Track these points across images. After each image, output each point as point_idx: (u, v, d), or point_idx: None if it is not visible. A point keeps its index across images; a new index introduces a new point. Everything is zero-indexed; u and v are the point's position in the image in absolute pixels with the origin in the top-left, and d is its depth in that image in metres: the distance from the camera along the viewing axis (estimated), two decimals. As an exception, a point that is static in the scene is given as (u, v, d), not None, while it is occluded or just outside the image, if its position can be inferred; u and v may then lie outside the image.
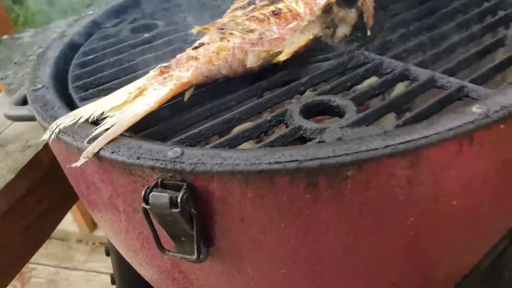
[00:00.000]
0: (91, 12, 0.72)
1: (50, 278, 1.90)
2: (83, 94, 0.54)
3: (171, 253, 0.41)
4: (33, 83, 0.53)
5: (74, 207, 1.85)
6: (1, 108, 0.87)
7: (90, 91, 0.54)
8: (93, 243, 2.00)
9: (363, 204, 0.37)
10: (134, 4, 0.76)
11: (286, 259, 0.41)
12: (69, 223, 1.99)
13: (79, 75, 0.58)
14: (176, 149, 0.38)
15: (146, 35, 0.66)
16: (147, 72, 0.47)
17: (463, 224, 0.42)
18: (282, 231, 0.38)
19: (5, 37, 1.10)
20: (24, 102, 0.67)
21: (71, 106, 0.51)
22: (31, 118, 0.63)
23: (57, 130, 0.43)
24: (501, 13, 0.60)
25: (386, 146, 0.35)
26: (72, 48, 0.64)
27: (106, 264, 1.93)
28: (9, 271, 0.76)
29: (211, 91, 0.50)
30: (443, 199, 0.38)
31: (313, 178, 0.35)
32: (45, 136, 0.44)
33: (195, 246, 0.39)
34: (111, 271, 1.93)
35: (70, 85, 0.56)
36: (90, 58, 0.62)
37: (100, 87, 0.55)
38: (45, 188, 0.77)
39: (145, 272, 0.53)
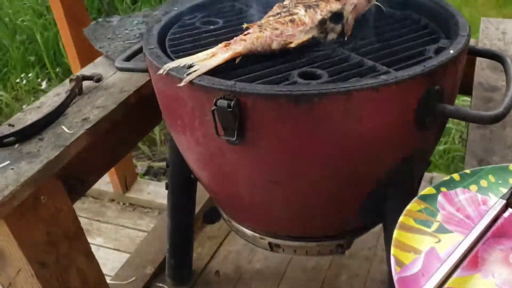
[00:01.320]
0: (176, 9, 1.12)
1: (84, 227, 2.27)
2: (176, 55, 0.94)
3: (222, 136, 0.80)
4: (148, 45, 0.93)
5: (112, 170, 2.22)
6: (102, 66, 1.28)
7: (180, 54, 0.94)
8: (124, 204, 2.34)
9: (324, 116, 0.75)
10: (203, 7, 1.16)
11: (278, 147, 0.79)
12: (105, 183, 2.35)
13: (172, 44, 0.98)
14: (232, 81, 0.77)
15: (211, 27, 1.06)
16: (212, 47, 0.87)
17: (375, 139, 0.80)
18: (279, 129, 0.77)
19: (100, 19, 1.50)
20: (127, 59, 1.07)
21: (170, 59, 0.90)
22: (132, 70, 1.03)
23: (167, 69, 0.83)
24: (432, 36, 0.98)
25: (334, 88, 0.73)
26: (165, 28, 1.04)
27: (133, 221, 2.30)
28: (101, 169, 1.16)
29: (252, 60, 0.89)
30: (364, 119, 0.76)
31: (298, 100, 0.74)
32: (160, 71, 0.83)
33: (236, 132, 0.78)
34: (138, 227, 2.30)
35: (168, 49, 0.96)
36: (177, 36, 1.02)
37: (186, 52, 0.95)
38: (130, 120, 1.17)
39: (201, 160, 0.92)
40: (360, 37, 0.98)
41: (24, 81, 3.82)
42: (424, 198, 0.76)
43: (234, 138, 0.78)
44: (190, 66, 0.82)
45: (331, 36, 0.96)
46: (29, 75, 3.92)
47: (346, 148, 0.80)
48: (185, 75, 0.80)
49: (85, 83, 1.17)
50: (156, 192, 2.28)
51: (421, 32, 1.00)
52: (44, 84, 3.72)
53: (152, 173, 2.68)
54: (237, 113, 0.76)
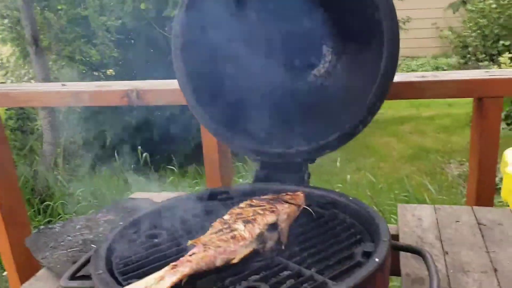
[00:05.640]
0: (121, 223, 1.18)
1: None
2: (124, 276, 0.97)
3: None
4: (96, 269, 0.96)
5: None
6: (45, 281, 1.27)
7: (128, 274, 0.98)
8: None
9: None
10: (147, 219, 1.23)
11: None
12: None
13: (119, 263, 1.02)
14: (181, 308, 0.81)
15: (155, 240, 1.12)
16: (162, 266, 0.93)
17: None
18: None
19: (42, 227, 1.52)
20: (72, 277, 1.08)
21: (119, 283, 0.93)
22: (78, 289, 1.05)
23: (117, 297, 0.86)
24: (356, 237, 1.09)
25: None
26: (112, 246, 1.09)
27: None
28: None
29: (196, 277, 0.94)
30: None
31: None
32: (111, 301, 0.86)
33: None
34: None
35: (115, 271, 1.00)
36: (124, 254, 1.07)
37: (133, 272, 0.99)
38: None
39: None
40: (295, 243, 1.07)
41: None
42: None
43: None
44: (142, 292, 0.86)
45: (269, 244, 1.05)
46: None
47: None
48: (136, 304, 0.83)
49: (27, 303, 1.15)
50: None
51: (347, 232, 1.11)
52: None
53: None
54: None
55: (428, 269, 0.99)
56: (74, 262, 1.30)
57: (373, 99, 1.29)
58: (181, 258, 0.94)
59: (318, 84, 1.51)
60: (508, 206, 1.47)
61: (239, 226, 1.02)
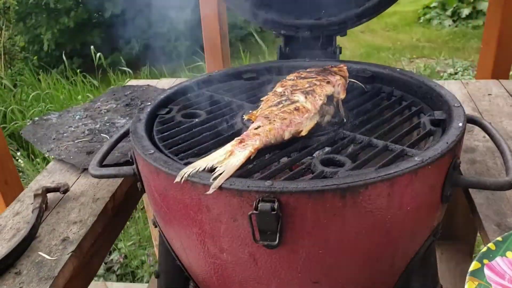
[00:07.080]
0: (149, 103, 1.04)
1: None
2: (178, 156, 0.86)
3: (261, 242, 0.73)
4: (146, 150, 0.83)
5: None
6: (59, 173, 1.13)
7: (182, 154, 0.86)
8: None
9: (369, 205, 0.72)
10: (173, 99, 1.09)
11: (322, 244, 0.74)
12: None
13: (165, 145, 0.90)
14: (269, 181, 0.71)
15: (196, 120, 1.00)
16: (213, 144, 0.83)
17: (412, 220, 0.79)
18: (323, 224, 0.72)
19: (36, 118, 1.35)
20: (100, 164, 0.96)
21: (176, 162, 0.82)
22: (113, 176, 0.93)
23: (186, 175, 0.75)
24: (413, 109, 1.02)
25: (378, 176, 0.71)
26: (148, 127, 0.96)
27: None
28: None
29: (266, 152, 0.84)
30: (404, 202, 0.75)
31: (345, 193, 0.70)
32: (178, 179, 0.75)
33: (278, 236, 0.71)
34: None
35: (166, 151, 0.87)
36: (166, 134, 0.94)
37: (187, 152, 0.87)
38: (107, 230, 1.03)
39: (222, 268, 0.82)
40: (351, 116, 0.99)
41: None
42: (474, 274, 0.76)
43: (276, 242, 0.72)
44: (211, 170, 0.75)
45: (327, 118, 0.95)
46: None
47: (388, 234, 0.77)
48: (211, 180, 0.73)
49: (49, 195, 1.02)
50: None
51: (403, 104, 1.04)
52: None
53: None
54: (280, 215, 0.71)
55: (491, 134, 0.95)
56: (89, 152, 1.17)
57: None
58: (245, 132, 0.83)
59: None
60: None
61: (300, 97, 0.91)
